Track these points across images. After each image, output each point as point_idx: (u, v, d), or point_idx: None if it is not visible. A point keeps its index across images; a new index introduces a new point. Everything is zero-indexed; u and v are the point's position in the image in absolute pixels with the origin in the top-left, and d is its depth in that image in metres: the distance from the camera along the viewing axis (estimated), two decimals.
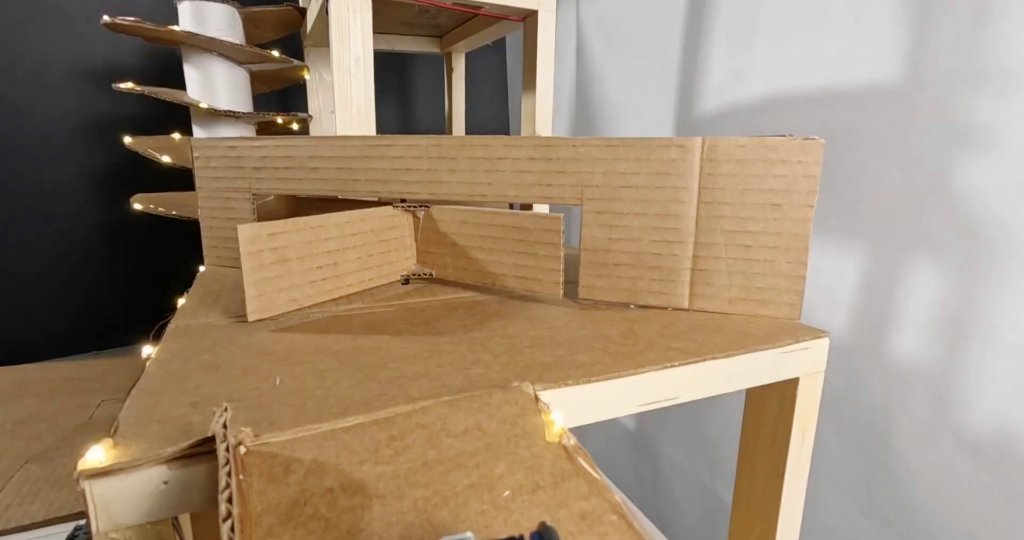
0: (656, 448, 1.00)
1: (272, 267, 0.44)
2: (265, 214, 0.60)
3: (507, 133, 1.39)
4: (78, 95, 1.03)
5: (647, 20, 0.92)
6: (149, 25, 0.79)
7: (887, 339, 0.60)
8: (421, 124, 1.33)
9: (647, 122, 0.95)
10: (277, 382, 0.33)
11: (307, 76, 1.02)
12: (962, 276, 0.53)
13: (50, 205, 1.05)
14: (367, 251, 0.52)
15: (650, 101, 0.93)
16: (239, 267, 0.43)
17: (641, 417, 1.04)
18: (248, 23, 0.90)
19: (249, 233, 0.42)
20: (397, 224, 0.54)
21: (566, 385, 0.33)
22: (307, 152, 0.54)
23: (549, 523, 0.26)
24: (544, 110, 0.83)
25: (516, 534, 0.23)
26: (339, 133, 0.68)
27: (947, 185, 0.54)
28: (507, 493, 0.24)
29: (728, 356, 0.38)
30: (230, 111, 0.86)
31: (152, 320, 0.49)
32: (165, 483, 0.25)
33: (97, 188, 1.08)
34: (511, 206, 0.57)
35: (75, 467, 0.24)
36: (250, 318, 0.44)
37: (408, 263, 0.56)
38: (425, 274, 0.56)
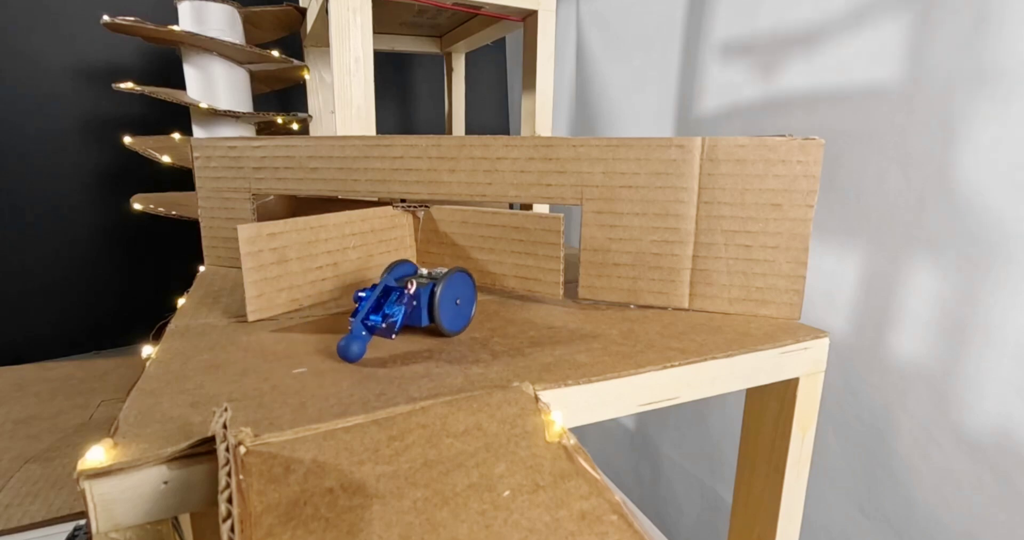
0: (656, 448, 1.00)
1: (272, 267, 0.44)
2: (265, 214, 0.60)
3: (507, 133, 1.39)
4: (78, 95, 1.03)
5: (647, 20, 0.92)
6: (149, 25, 0.79)
7: (887, 339, 0.60)
8: (421, 124, 1.33)
9: (647, 122, 0.95)
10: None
11: (307, 76, 1.02)
12: (962, 276, 0.53)
13: (50, 205, 1.05)
14: (367, 251, 0.52)
15: (650, 101, 0.93)
16: (239, 267, 0.43)
17: (641, 417, 1.04)
18: (248, 23, 0.90)
19: (249, 233, 0.42)
20: (397, 224, 0.54)
21: (566, 385, 0.33)
22: (307, 152, 0.54)
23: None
24: (544, 110, 0.83)
25: None
26: (339, 133, 0.68)
27: (947, 185, 0.54)
28: (507, 493, 0.24)
29: (728, 356, 0.38)
30: (230, 111, 0.86)
31: (152, 320, 0.49)
32: (165, 483, 0.25)
33: (97, 188, 1.08)
34: (511, 206, 0.57)
35: (75, 467, 0.24)
36: (250, 318, 0.44)
37: None
38: None
